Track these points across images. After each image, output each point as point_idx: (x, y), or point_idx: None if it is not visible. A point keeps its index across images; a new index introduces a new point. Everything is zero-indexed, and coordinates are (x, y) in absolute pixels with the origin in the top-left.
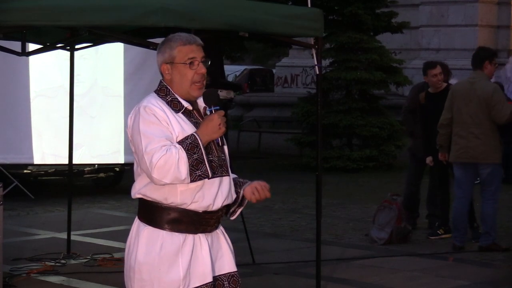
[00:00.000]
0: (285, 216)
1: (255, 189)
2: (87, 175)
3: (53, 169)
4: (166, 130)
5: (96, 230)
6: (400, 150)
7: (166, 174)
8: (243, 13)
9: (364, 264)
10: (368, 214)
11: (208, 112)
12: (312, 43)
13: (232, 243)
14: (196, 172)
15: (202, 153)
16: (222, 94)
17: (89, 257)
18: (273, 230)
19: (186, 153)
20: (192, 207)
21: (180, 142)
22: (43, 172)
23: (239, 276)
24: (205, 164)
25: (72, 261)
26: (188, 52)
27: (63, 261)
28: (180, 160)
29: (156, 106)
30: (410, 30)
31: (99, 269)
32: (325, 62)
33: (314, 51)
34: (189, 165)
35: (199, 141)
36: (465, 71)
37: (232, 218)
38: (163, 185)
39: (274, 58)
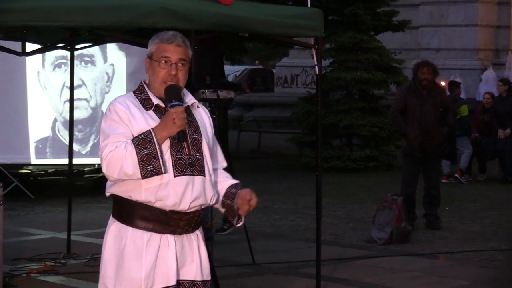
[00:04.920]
0: (285, 216)
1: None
2: (87, 175)
3: (53, 169)
4: (125, 128)
5: (96, 230)
6: (400, 150)
7: (113, 169)
8: (242, 14)
9: (364, 264)
10: (368, 214)
11: (168, 108)
12: (312, 43)
13: (232, 243)
14: (148, 167)
15: (155, 148)
16: (222, 94)
17: (89, 257)
18: (273, 230)
19: (136, 148)
20: (158, 205)
21: (133, 138)
22: (43, 172)
23: (203, 286)
24: (158, 159)
25: (72, 261)
26: (163, 51)
27: (63, 261)
28: (126, 155)
29: (121, 103)
30: (410, 30)
31: (99, 269)
32: (325, 62)
33: (314, 51)
34: (139, 160)
35: (153, 136)
36: (465, 71)
37: (238, 225)
38: (114, 180)
39: (274, 58)
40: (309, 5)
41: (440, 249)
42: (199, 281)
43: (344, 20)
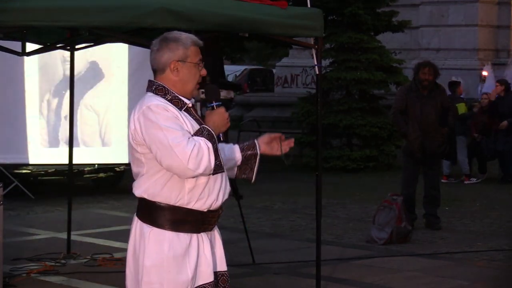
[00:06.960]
0: (285, 216)
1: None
2: (87, 175)
3: (53, 169)
4: (182, 124)
5: (96, 230)
6: (400, 150)
7: (199, 163)
8: (242, 14)
9: (364, 264)
10: (368, 214)
11: (210, 107)
12: (312, 43)
13: (232, 243)
14: (216, 162)
15: (217, 143)
16: (222, 94)
17: (89, 257)
18: (273, 230)
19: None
20: (197, 205)
21: (198, 134)
22: (43, 172)
23: (228, 275)
24: (220, 155)
25: (72, 261)
26: (198, 53)
27: (63, 261)
28: (210, 149)
29: (161, 102)
30: (410, 30)
31: (99, 269)
32: (325, 62)
33: (314, 51)
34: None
35: (213, 133)
36: (465, 71)
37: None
38: (194, 176)
39: (274, 58)
40: (309, 5)
41: (440, 249)
42: (224, 271)
43: (344, 20)
